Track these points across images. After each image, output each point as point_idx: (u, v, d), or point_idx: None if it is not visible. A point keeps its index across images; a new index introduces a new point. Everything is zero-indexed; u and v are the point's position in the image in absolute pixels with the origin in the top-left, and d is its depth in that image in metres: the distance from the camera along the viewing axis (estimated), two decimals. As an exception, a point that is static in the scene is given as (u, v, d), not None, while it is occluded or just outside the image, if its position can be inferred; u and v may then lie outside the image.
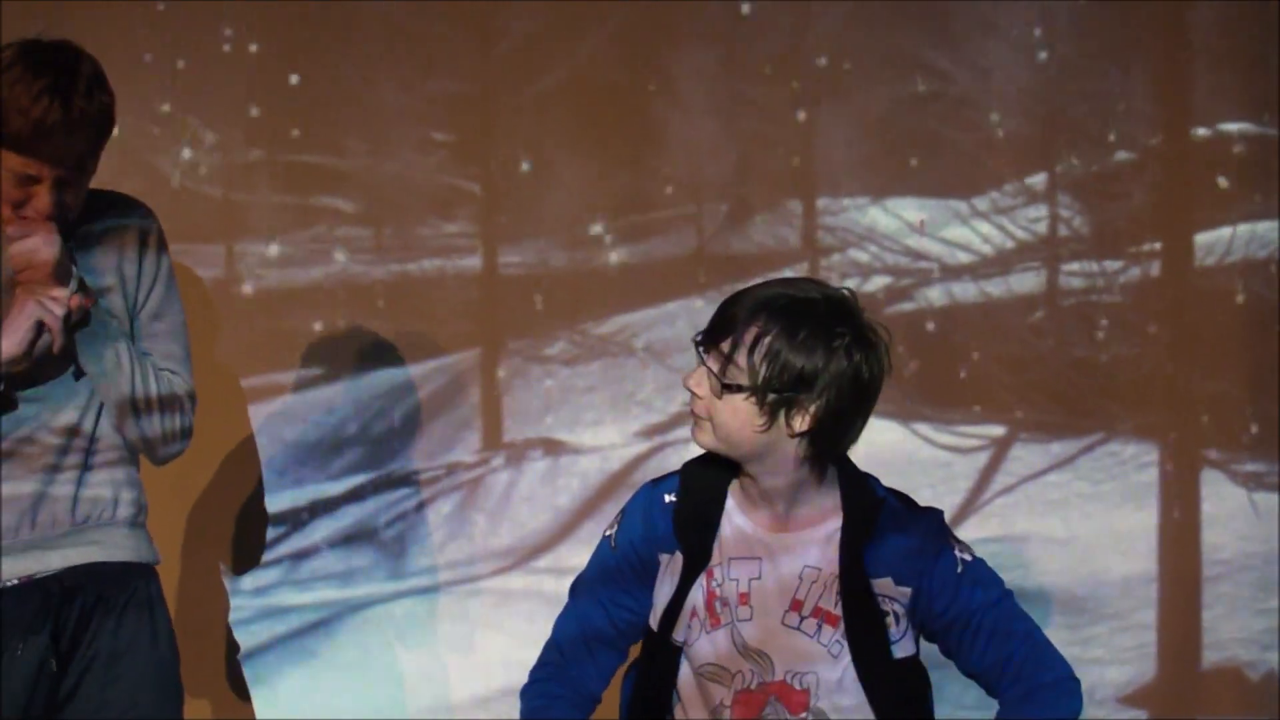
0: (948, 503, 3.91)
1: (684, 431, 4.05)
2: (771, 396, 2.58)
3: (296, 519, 3.98)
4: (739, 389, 2.59)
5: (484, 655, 4.00)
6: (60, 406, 2.92)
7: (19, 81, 2.70)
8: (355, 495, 4.00)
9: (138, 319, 2.97)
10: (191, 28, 3.87)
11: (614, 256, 4.03)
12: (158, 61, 3.87)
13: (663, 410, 4.06)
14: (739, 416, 2.61)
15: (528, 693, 2.82)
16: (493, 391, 4.02)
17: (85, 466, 2.96)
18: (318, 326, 3.96)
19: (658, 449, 4.06)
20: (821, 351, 2.57)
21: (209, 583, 3.95)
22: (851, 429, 2.64)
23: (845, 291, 2.66)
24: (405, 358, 3.99)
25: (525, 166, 3.99)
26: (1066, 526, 4.12)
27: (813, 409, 2.59)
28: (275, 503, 3.97)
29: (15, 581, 2.89)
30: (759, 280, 2.69)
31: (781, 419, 2.60)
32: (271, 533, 3.97)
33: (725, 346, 2.59)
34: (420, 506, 4.02)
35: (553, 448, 4.05)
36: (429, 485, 4.02)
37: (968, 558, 2.72)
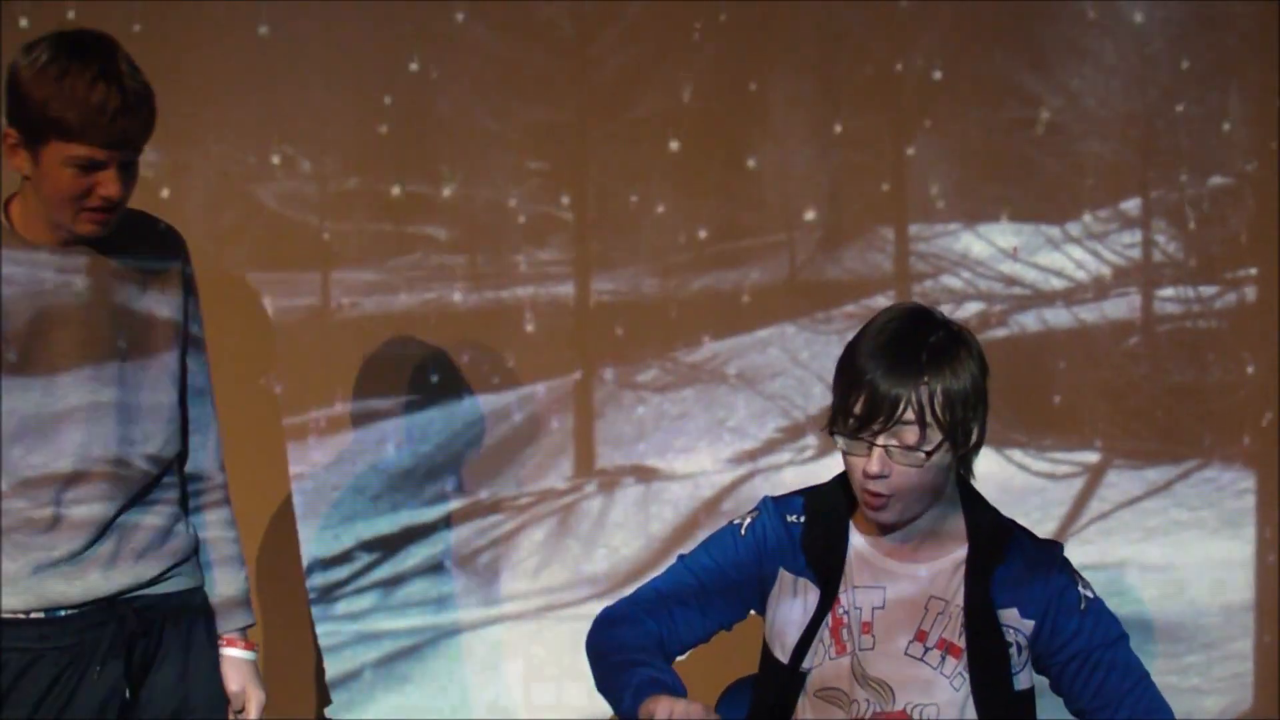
0: (1043, 530, 3.88)
1: (775, 457, 4.05)
2: (963, 438, 2.61)
3: (391, 544, 4.00)
4: (939, 447, 2.59)
5: (575, 682, 4.00)
6: (165, 438, 2.96)
7: (68, 72, 2.72)
8: (448, 521, 4.01)
9: (188, 356, 3.00)
10: (288, 56, 3.90)
11: (706, 283, 4.03)
12: (256, 91, 3.90)
13: (755, 436, 4.06)
14: (936, 471, 2.62)
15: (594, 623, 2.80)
16: (585, 418, 4.02)
17: (182, 502, 3.02)
18: (412, 353, 3.98)
19: (749, 475, 4.05)
20: (968, 371, 2.60)
21: (295, 609, 3.98)
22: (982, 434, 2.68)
23: (934, 310, 2.68)
24: (498, 385, 4.01)
25: (618, 194, 4.00)
26: (1163, 554, 4.09)
27: (977, 428, 2.63)
28: (370, 528, 3.99)
29: (92, 604, 2.91)
30: (851, 332, 2.69)
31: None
32: (366, 558, 3.99)
33: (909, 417, 2.57)
34: (513, 533, 4.03)
35: (645, 474, 4.05)
36: (522, 512, 4.03)
37: (1090, 595, 2.72)
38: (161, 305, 2.95)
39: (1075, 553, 3.94)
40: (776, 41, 4.00)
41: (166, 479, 2.98)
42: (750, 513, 2.80)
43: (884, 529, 2.70)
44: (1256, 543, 4.10)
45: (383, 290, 3.97)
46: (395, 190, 3.95)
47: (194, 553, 3.04)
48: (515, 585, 4.03)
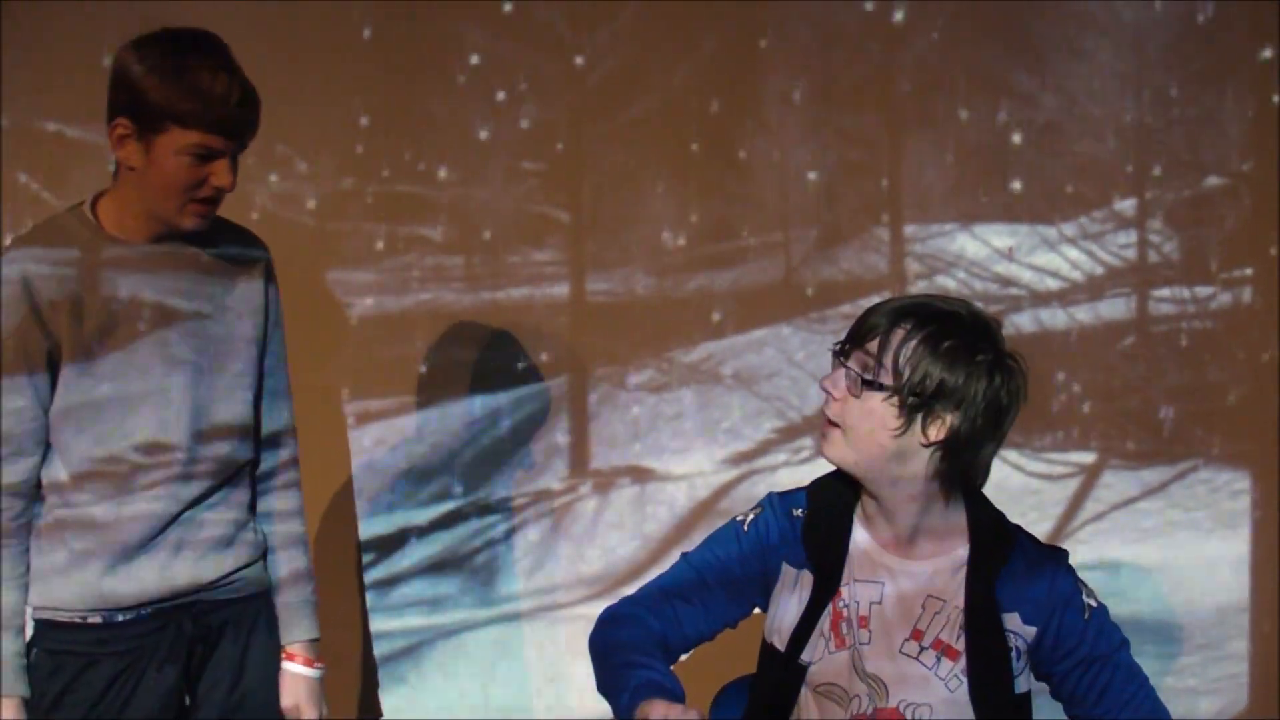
0: (1039, 530, 3.88)
1: (770, 458, 4.05)
2: (911, 399, 2.58)
3: (386, 545, 4.00)
4: (880, 388, 2.58)
5: (571, 681, 4.00)
6: (238, 437, 2.98)
7: (188, 64, 2.77)
8: (444, 522, 4.01)
9: (267, 351, 3.02)
10: (286, 56, 3.90)
11: (702, 283, 4.03)
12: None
13: (750, 438, 4.06)
14: (874, 417, 2.60)
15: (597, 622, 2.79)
16: (581, 419, 4.03)
17: (251, 505, 3.03)
18: (407, 354, 3.98)
19: (745, 476, 4.05)
20: (963, 365, 2.57)
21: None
22: (983, 451, 2.63)
23: (992, 317, 2.66)
24: (494, 385, 4.01)
25: (613, 194, 4.00)
26: (1158, 554, 4.09)
27: (949, 420, 2.59)
28: (365, 529, 3.99)
29: (150, 608, 2.92)
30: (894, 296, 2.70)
31: (917, 425, 2.59)
32: (362, 558, 3.99)
33: (872, 347, 2.59)
34: (509, 533, 4.03)
35: (640, 475, 4.05)
36: (517, 512, 4.03)
37: (1094, 603, 2.71)
38: (245, 299, 2.98)
39: (1071, 554, 3.96)
40: (772, 41, 4.00)
41: (237, 479, 2.99)
42: (754, 509, 2.80)
43: (876, 523, 2.70)
44: (1252, 543, 4.10)
45: (378, 291, 3.97)
46: (390, 190, 3.95)
47: (260, 557, 3.04)
48: (511, 586, 4.03)
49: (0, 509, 2.84)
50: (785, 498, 2.79)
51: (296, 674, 3.06)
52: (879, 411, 2.60)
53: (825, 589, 2.69)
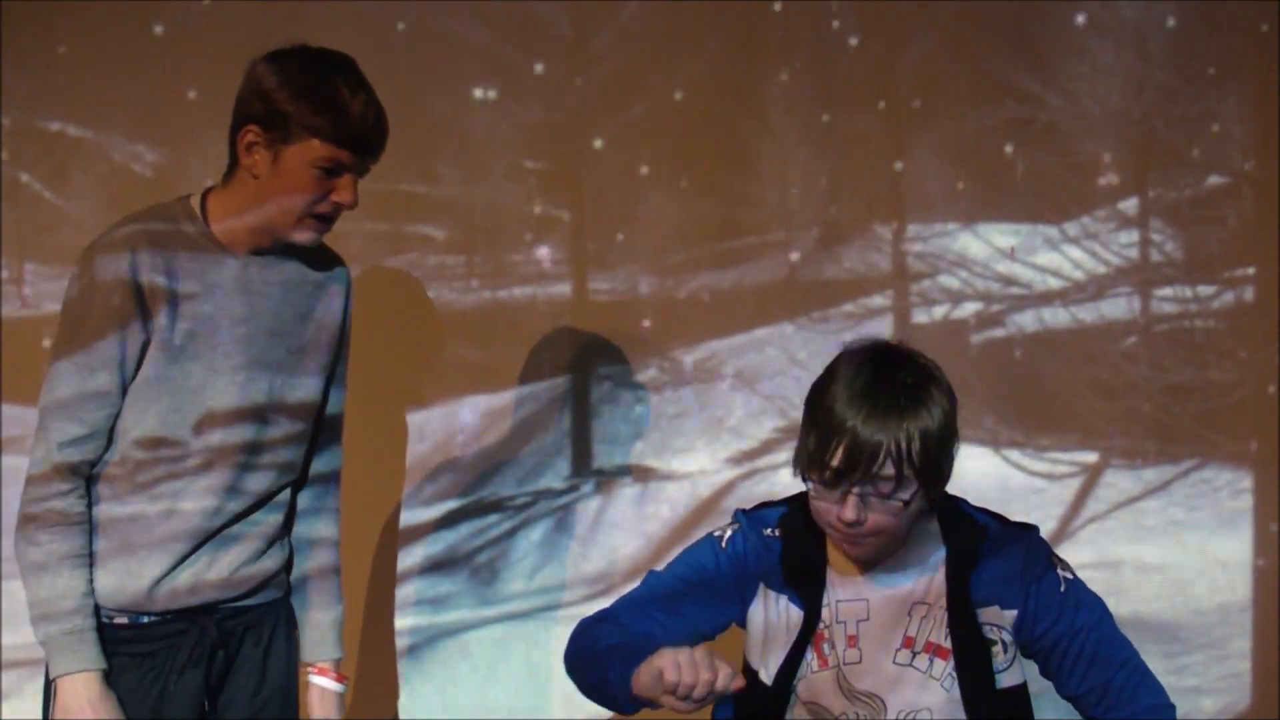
0: (1042, 530, 3.87)
1: (773, 457, 4.05)
2: (936, 478, 2.60)
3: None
4: (915, 492, 2.59)
5: (571, 680, 4.00)
6: (293, 453, 3.00)
7: (329, 80, 2.81)
8: (446, 521, 4.01)
9: (339, 363, 3.06)
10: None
11: (704, 283, 4.03)
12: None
13: (753, 436, 4.05)
14: (905, 511, 2.60)
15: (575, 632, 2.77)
16: (583, 418, 4.02)
17: (287, 523, 3.04)
18: (410, 353, 3.98)
19: (748, 475, 4.05)
20: (940, 408, 2.58)
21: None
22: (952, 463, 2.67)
23: (891, 341, 2.67)
24: (496, 384, 4.01)
25: (615, 193, 4.00)
26: (1160, 554, 4.09)
27: (948, 464, 2.62)
28: (367, 528, 3.98)
29: (175, 612, 2.92)
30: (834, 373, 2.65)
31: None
32: (362, 559, 3.99)
33: (886, 470, 2.56)
34: (511, 533, 4.03)
35: (643, 474, 4.05)
36: (519, 511, 4.03)
37: (1069, 576, 2.72)
38: (326, 314, 3.01)
39: (1073, 552, 3.97)
40: (774, 41, 4.00)
41: (280, 497, 3.00)
42: (730, 525, 2.78)
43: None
44: (1254, 542, 4.10)
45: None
46: (392, 189, 3.95)
47: (288, 565, 3.05)
48: (513, 585, 4.03)
49: (71, 489, 2.84)
50: (755, 517, 2.78)
51: (327, 689, 3.09)
52: (915, 506, 2.61)
53: (810, 619, 2.69)
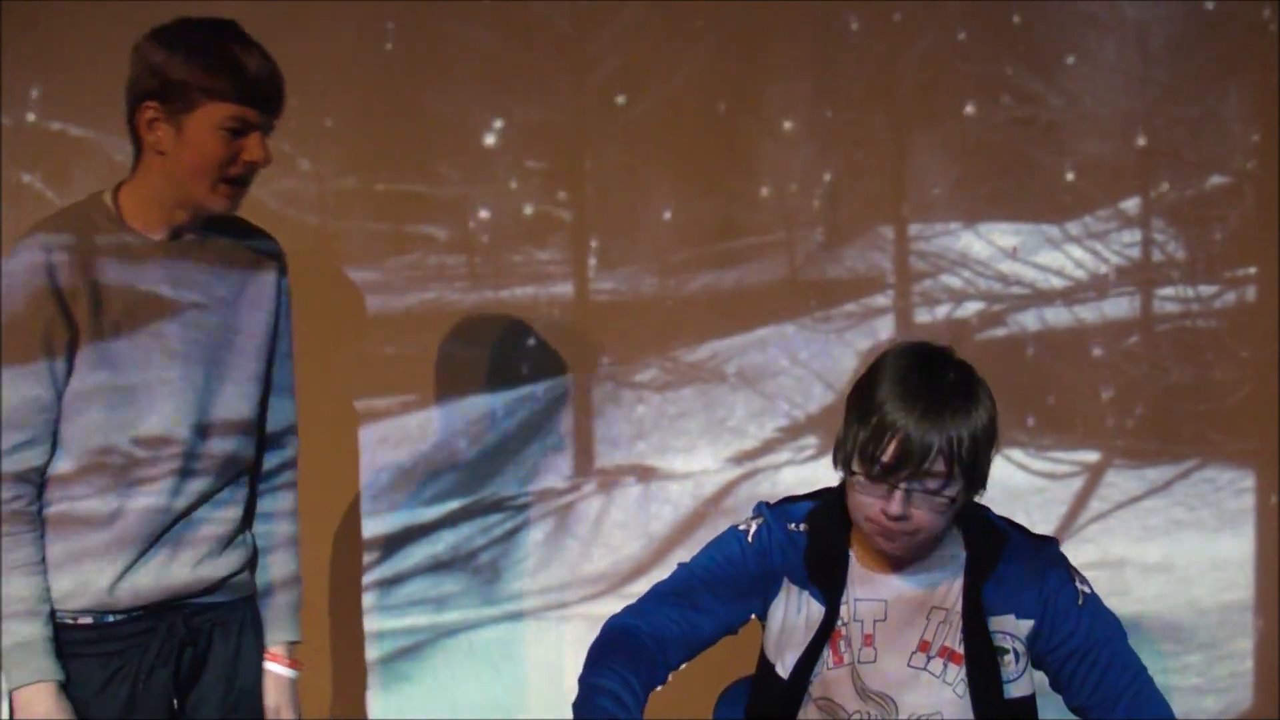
0: (1043, 529, 3.87)
1: (774, 457, 4.04)
2: (981, 477, 2.63)
3: (390, 544, 4.00)
4: (960, 491, 2.61)
5: (575, 681, 4.00)
6: (242, 435, 2.97)
7: (217, 40, 2.79)
8: (448, 521, 4.01)
9: (276, 348, 3.01)
10: (287, 55, 3.89)
11: (706, 282, 4.03)
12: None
13: (755, 436, 4.05)
14: (948, 510, 2.63)
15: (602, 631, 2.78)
16: (585, 418, 4.02)
17: (248, 512, 3.02)
18: (411, 353, 3.98)
19: (749, 475, 4.05)
20: (985, 410, 2.61)
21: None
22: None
23: (943, 347, 2.68)
24: (498, 384, 4.01)
25: (615, 193, 4.00)
26: (1162, 553, 4.09)
27: (989, 466, 2.65)
28: (369, 527, 3.98)
29: (141, 610, 2.90)
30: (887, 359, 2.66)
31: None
32: (365, 557, 3.99)
33: (937, 467, 2.58)
34: (513, 532, 4.03)
35: (645, 474, 4.05)
36: (521, 511, 4.03)
37: (1087, 590, 2.73)
38: (257, 293, 2.97)
39: (1075, 552, 3.94)
40: (776, 40, 3.99)
41: (238, 479, 2.98)
42: (754, 518, 2.79)
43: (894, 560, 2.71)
44: (1256, 542, 4.10)
45: (381, 290, 3.97)
46: (394, 189, 3.95)
47: (251, 563, 3.03)
48: (515, 585, 4.03)
49: (17, 496, 2.82)
50: (779, 511, 2.78)
51: (279, 675, 3.05)
52: (952, 502, 2.62)
53: (831, 614, 2.70)
